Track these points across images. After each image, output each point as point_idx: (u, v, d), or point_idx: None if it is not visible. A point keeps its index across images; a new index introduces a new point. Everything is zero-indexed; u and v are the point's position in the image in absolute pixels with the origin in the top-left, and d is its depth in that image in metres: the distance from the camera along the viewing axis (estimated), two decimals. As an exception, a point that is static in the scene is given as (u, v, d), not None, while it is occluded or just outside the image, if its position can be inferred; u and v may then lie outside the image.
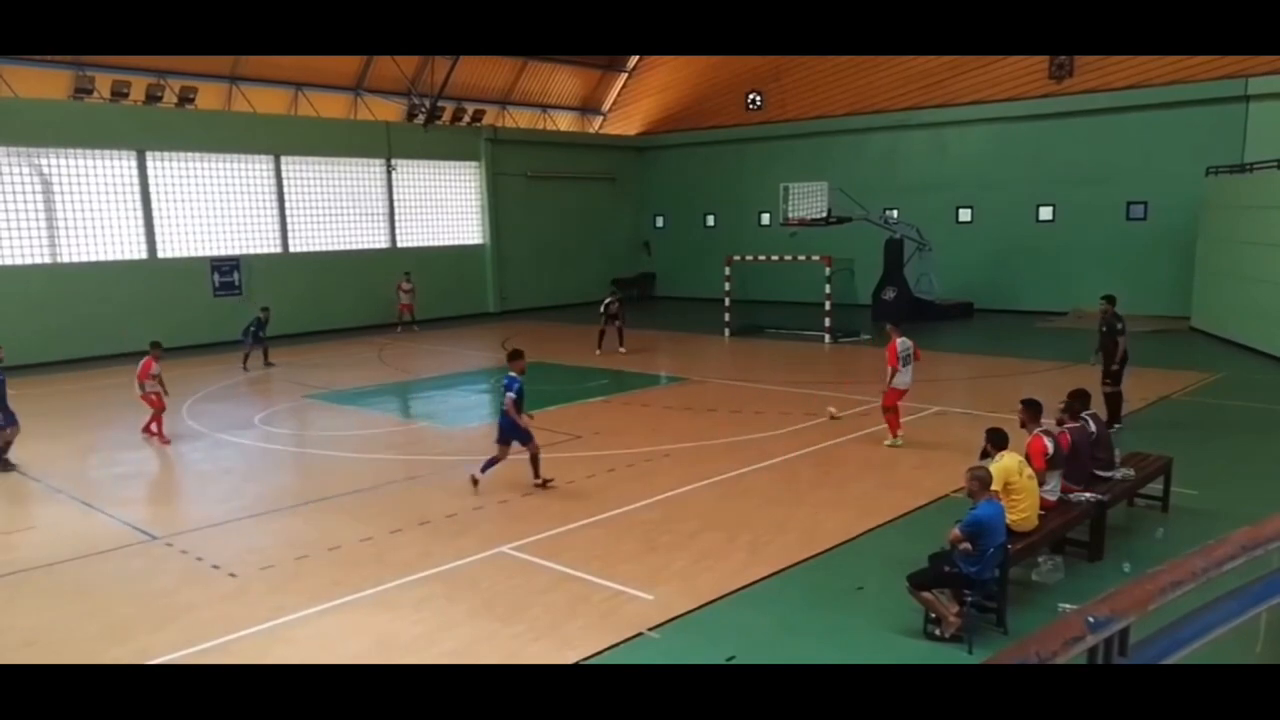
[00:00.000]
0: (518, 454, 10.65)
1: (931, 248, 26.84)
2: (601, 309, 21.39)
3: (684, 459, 11.86)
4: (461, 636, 6.90)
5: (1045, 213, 26.80)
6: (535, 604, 7.43)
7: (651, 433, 13.34)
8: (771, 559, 8.28)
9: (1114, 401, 12.64)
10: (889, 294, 26.33)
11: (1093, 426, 8.78)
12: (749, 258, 24.49)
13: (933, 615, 6.74)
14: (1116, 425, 12.01)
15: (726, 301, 23.80)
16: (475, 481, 10.48)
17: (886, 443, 12.17)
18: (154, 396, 13.53)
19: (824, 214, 25.17)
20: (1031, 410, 8.40)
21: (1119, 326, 12.90)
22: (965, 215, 28.29)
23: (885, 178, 28.95)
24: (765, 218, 31.14)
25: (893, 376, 12.17)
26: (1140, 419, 13.27)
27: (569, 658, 6.46)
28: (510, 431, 10.44)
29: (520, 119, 33.72)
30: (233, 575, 8.27)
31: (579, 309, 31.33)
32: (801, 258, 23.62)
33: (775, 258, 24.27)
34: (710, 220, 34.20)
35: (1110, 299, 13.23)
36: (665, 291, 34.83)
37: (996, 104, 27.18)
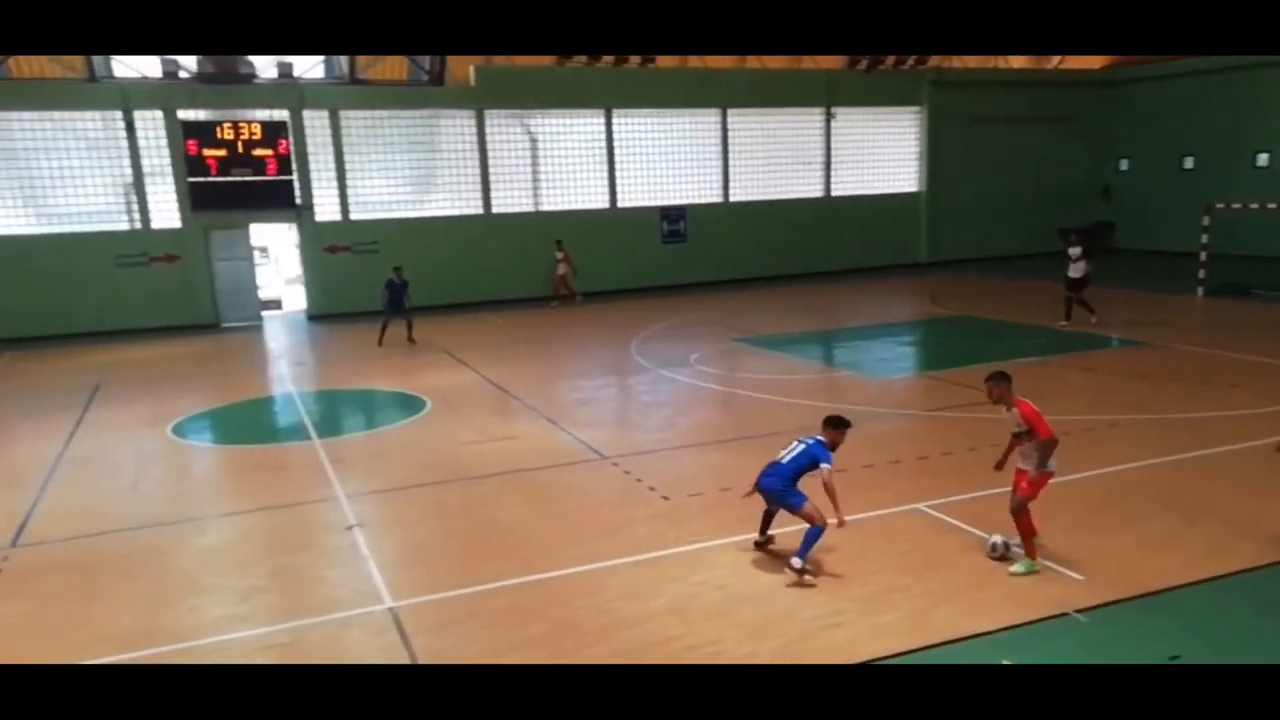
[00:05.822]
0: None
1: None
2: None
3: (1134, 431, 10.66)
4: (873, 585, 6.94)
5: None
6: (948, 565, 7.22)
7: (1094, 400, 12.12)
8: (1239, 554, 7.17)
9: None
10: None
11: None
12: (1236, 205, 20.88)
13: None
14: None
15: (1203, 256, 20.59)
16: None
17: (1018, 568, 7.04)
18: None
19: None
20: None
21: None
22: None
23: None
24: (1263, 159, 26.30)
25: (1048, 456, 7.01)
26: None
27: (982, 626, 6.20)
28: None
29: (968, 59, 31.75)
30: (665, 498, 9.09)
31: (1018, 261, 29.15)
32: (1311, 206, 19.61)
33: (1271, 206, 20.43)
34: (1188, 162, 29.62)
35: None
36: (1127, 243, 31.03)
37: None
